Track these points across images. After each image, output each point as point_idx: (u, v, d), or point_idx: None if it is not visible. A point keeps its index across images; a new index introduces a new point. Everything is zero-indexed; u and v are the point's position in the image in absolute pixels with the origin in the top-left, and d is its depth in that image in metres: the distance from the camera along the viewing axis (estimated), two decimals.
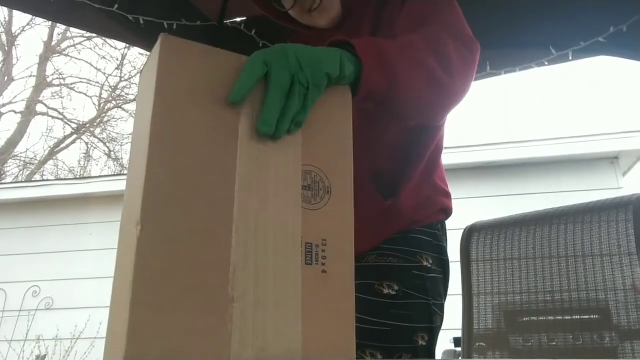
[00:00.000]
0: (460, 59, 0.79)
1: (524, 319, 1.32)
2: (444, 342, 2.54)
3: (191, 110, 0.53)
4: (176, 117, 0.52)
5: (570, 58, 1.53)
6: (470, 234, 1.47)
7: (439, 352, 2.05)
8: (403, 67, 0.71)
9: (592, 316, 1.22)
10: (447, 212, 1.03)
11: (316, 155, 0.58)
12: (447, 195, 1.03)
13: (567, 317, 1.24)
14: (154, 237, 0.48)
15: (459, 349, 2.05)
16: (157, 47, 0.54)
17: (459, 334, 1.46)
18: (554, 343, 1.24)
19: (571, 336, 1.22)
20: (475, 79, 1.81)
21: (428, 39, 0.77)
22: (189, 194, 0.51)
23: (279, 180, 0.55)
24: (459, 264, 1.47)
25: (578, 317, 1.23)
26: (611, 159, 3.62)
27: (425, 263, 0.95)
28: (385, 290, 0.91)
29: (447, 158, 3.66)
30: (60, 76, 9.23)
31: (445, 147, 3.60)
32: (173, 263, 0.48)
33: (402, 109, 0.75)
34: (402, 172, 0.96)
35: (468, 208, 3.51)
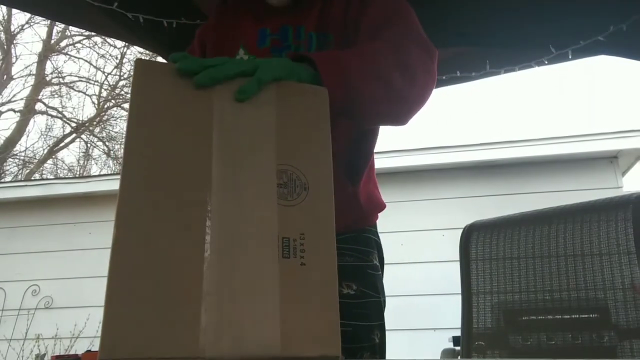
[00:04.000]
0: (422, 68, 0.82)
1: (524, 318, 1.32)
2: (444, 341, 2.55)
3: (164, 121, 0.58)
4: (150, 127, 0.57)
5: (570, 57, 1.53)
6: (469, 233, 1.47)
7: (438, 351, 2.05)
8: (364, 84, 0.74)
9: (591, 315, 1.22)
10: (381, 209, 1.07)
11: (293, 154, 0.61)
12: (380, 194, 1.07)
13: (566, 317, 1.25)
14: (129, 237, 0.52)
15: (458, 348, 2.05)
16: (133, 70, 0.60)
17: (458, 333, 1.46)
18: (553, 342, 1.24)
19: (570, 335, 1.23)
20: (476, 78, 1.81)
21: (394, 49, 0.80)
22: (164, 197, 0.54)
23: (254, 179, 0.58)
24: (458, 263, 1.47)
25: (577, 316, 1.23)
26: (611, 159, 3.62)
27: (375, 262, 1.00)
28: (345, 291, 0.93)
29: (447, 157, 3.68)
30: (60, 75, 9.23)
31: (445, 147, 3.62)
32: (147, 261, 0.51)
33: (360, 118, 0.80)
34: (364, 162, 1.00)
35: (467, 207, 3.52)
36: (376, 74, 0.76)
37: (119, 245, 0.51)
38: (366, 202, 1.00)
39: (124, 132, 0.57)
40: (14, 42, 9.04)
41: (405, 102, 0.81)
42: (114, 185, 4.04)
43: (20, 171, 8.99)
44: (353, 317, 0.90)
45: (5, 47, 9.02)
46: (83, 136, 9.40)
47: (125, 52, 8.87)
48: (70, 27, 8.37)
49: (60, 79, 9.22)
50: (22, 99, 9.00)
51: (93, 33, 7.77)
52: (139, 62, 0.60)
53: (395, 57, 0.79)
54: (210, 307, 0.51)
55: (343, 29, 0.95)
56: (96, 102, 9.36)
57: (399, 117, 0.83)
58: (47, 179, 7.46)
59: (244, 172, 0.58)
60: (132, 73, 0.62)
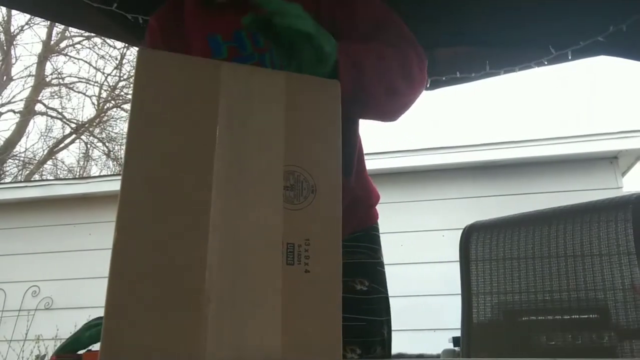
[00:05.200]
0: (420, 74, 0.86)
1: (523, 318, 1.32)
2: (444, 341, 2.54)
3: (167, 118, 0.55)
4: (152, 126, 0.54)
5: (569, 58, 1.53)
6: (469, 234, 1.47)
7: (438, 351, 2.05)
8: (373, 85, 0.77)
9: (591, 316, 1.22)
10: (377, 198, 1.08)
11: (301, 154, 0.58)
12: (373, 184, 1.08)
13: (566, 317, 1.25)
14: (129, 243, 0.50)
15: (458, 348, 2.05)
16: (136, 61, 0.57)
17: (458, 333, 1.46)
18: (553, 343, 1.24)
19: (570, 336, 1.23)
20: (476, 79, 1.81)
21: (400, 55, 0.84)
22: (165, 200, 0.52)
23: (259, 182, 0.55)
24: (458, 264, 1.47)
25: (577, 316, 1.23)
26: (611, 159, 3.62)
27: (382, 259, 1.03)
28: (358, 287, 0.95)
29: (447, 158, 3.68)
30: (60, 76, 9.23)
31: (445, 147, 3.62)
32: (148, 267, 0.50)
33: (357, 113, 0.84)
34: (353, 151, 1.00)
35: (467, 208, 3.52)
36: (385, 78, 0.79)
37: (119, 250, 0.50)
38: (362, 193, 1.01)
39: (126, 129, 0.55)
40: (14, 43, 9.05)
41: (404, 105, 0.86)
42: (113, 186, 4.04)
43: (20, 172, 8.99)
44: (366, 312, 0.93)
45: (5, 48, 9.02)
46: (83, 137, 9.40)
47: (125, 53, 8.88)
48: (70, 28, 8.38)
49: (60, 80, 9.22)
50: (22, 100, 9.00)
51: (93, 34, 7.77)
52: (142, 53, 0.57)
53: (400, 63, 0.82)
54: (211, 314, 0.50)
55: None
56: (96, 103, 9.37)
57: (394, 116, 0.88)
58: (47, 179, 7.46)
59: (250, 174, 0.55)
60: (132, 74, 0.59)
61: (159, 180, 0.53)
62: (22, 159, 9.14)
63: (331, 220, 0.58)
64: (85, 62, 9.19)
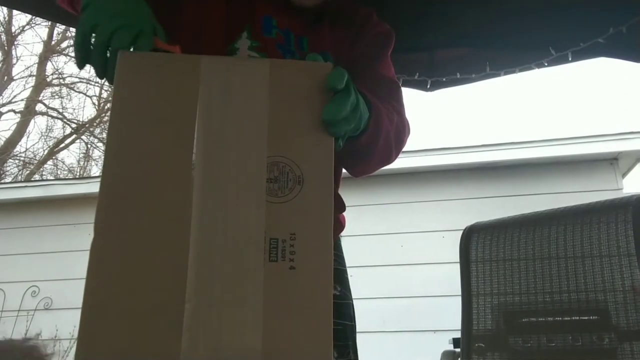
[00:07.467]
0: (406, 140, 0.93)
1: (524, 319, 1.32)
2: (444, 343, 2.54)
3: (147, 118, 0.55)
4: (131, 127, 0.54)
5: (570, 59, 1.53)
6: (469, 235, 1.47)
7: (438, 353, 2.05)
8: (375, 151, 0.82)
9: (591, 317, 1.22)
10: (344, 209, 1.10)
11: (286, 143, 0.55)
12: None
13: (566, 318, 1.25)
14: (107, 243, 0.50)
15: (458, 349, 2.05)
16: (117, 63, 0.56)
17: (458, 334, 1.46)
18: (553, 344, 1.24)
19: (570, 337, 1.23)
20: (476, 80, 1.82)
21: (401, 125, 0.89)
22: (144, 199, 0.52)
23: (239, 176, 0.53)
24: (458, 265, 1.47)
25: (577, 318, 1.23)
26: (611, 160, 3.61)
27: (346, 268, 1.05)
28: (333, 292, 0.97)
29: (447, 159, 3.68)
30: (60, 76, 9.24)
31: (445, 148, 3.63)
32: (126, 267, 0.49)
33: (347, 165, 0.89)
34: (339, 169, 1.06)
35: (468, 208, 3.51)
36: (386, 146, 0.84)
37: (97, 252, 0.49)
38: (339, 206, 1.02)
39: (107, 131, 0.55)
40: (15, 43, 9.06)
41: (382, 167, 0.93)
42: None
43: (21, 172, 8.99)
44: (342, 316, 0.94)
45: (6, 48, 9.03)
46: (83, 137, 9.40)
47: None
48: (71, 29, 8.37)
49: (61, 80, 9.23)
50: (22, 100, 9.00)
51: None
52: (122, 55, 0.56)
53: (399, 135, 0.89)
54: (187, 315, 0.48)
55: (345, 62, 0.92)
56: (96, 103, 9.37)
57: (359, 176, 0.94)
58: (47, 179, 7.46)
59: (230, 167, 0.53)
60: None
61: (138, 181, 0.52)
62: (22, 158, 9.14)
63: (320, 213, 0.54)
64: None
